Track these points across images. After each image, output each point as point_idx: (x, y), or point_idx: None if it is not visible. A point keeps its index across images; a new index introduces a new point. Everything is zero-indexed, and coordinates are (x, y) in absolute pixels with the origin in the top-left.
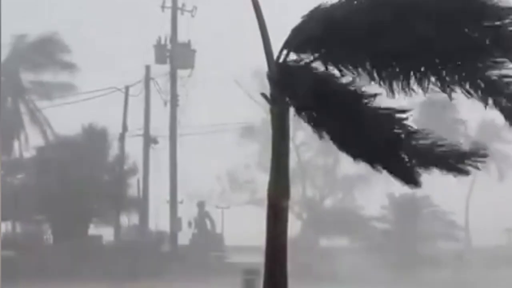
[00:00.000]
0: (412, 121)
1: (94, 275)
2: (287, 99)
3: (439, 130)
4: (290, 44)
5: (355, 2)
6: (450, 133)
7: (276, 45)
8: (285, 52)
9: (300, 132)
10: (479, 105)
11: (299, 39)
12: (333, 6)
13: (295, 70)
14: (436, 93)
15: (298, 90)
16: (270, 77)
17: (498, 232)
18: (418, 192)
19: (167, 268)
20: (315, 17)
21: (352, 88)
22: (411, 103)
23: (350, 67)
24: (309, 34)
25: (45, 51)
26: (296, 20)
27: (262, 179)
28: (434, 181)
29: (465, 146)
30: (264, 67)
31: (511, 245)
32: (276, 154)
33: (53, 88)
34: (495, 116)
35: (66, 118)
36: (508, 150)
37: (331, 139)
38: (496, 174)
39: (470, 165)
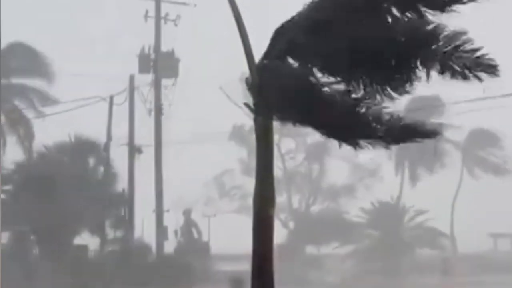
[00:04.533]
0: None
1: (78, 284)
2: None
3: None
4: (271, 53)
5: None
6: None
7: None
8: (265, 61)
9: (286, 140)
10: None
11: (280, 47)
12: (308, 9)
13: (273, 78)
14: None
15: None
16: (252, 86)
17: (483, 238)
18: (402, 199)
19: (152, 277)
20: (293, 24)
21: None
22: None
23: (332, 71)
24: (289, 41)
25: (26, 59)
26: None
27: (249, 187)
28: (418, 187)
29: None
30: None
31: (497, 251)
32: (261, 163)
33: (34, 97)
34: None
35: (49, 128)
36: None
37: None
38: (481, 179)
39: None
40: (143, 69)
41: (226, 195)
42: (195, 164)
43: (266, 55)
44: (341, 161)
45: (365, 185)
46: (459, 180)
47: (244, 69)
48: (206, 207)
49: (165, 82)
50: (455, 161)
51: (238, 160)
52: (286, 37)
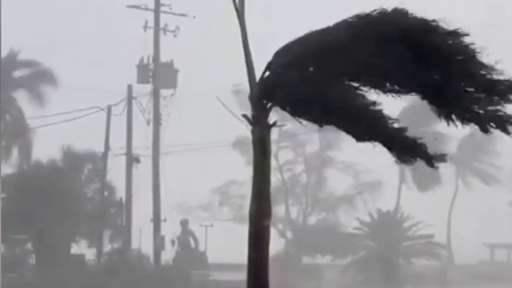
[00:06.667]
0: None
1: None
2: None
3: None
4: (273, 66)
5: (337, 27)
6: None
7: (259, 64)
8: (267, 73)
9: (284, 150)
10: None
11: (283, 60)
12: (318, 31)
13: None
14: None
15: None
16: (252, 98)
17: (480, 249)
18: (399, 210)
19: (150, 286)
20: (299, 41)
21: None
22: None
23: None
24: (294, 55)
25: (26, 70)
26: (279, 42)
27: (246, 197)
28: (414, 198)
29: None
30: (246, 86)
31: (494, 261)
32: (257, 174)
33: (34, 107)
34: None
35: (49, 137)
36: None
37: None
38: (476, 190)
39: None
40: (142, 79)
41: (225, 205)
42: (192, 174)
43: (269, 66)
44: (339, 172)
45: (363, 196)
46: (454, 191)
47: (239, 81)
48: (204, 216)
49: (163, 92)
50: (450, 172)
51: (237, 170)
52: (294, 52)
